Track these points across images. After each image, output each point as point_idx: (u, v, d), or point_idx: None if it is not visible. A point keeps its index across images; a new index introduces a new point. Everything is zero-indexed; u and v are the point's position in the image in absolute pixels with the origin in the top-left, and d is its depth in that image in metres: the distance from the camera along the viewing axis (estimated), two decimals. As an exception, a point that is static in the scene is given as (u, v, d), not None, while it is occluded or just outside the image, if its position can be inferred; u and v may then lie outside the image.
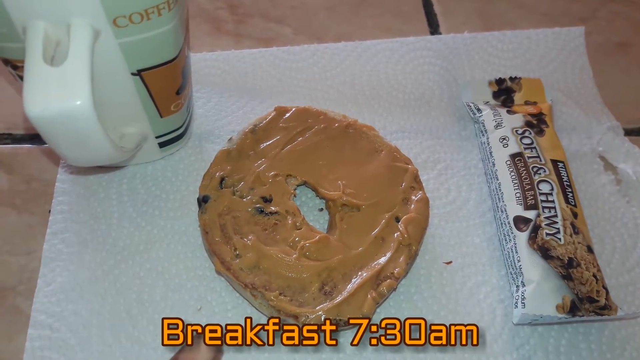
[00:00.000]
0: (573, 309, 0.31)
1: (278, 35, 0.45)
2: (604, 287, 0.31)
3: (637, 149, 0.39)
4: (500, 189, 0.35)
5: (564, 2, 0.49)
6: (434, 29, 0.46)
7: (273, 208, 0.33)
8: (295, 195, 0.34)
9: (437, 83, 0.42)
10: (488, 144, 0.37)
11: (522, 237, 0.33)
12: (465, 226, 0.36)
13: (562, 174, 0.35)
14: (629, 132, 0.41)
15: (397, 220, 0.33)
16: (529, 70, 0.43)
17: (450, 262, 0.34)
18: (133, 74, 0.30)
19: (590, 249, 0.32)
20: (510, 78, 0.40)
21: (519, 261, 0.32)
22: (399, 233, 0.32)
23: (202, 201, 0.32)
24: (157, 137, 0.35)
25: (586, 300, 0.31)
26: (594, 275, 0.31)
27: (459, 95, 0.41)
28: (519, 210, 0.34)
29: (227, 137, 0.38)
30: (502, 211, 0.34)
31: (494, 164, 0.36)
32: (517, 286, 0.32)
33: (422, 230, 0.33)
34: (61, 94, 0.25)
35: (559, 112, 0.41)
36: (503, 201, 0.35)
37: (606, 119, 0.41)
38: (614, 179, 0.38)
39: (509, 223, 0.34)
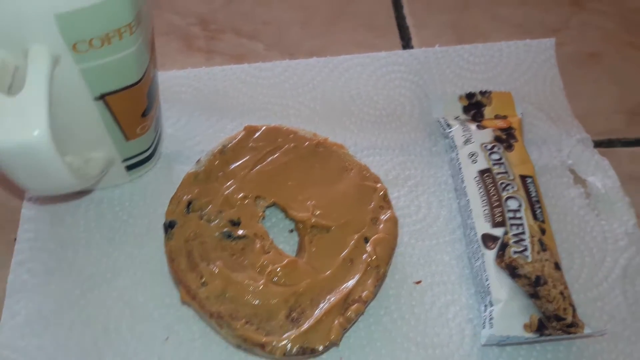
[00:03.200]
0: (540, 328, 0.31)
1: (250, 51, 0.45)
2: (571, 305, 0.32)
3: (606, 161, 0.40)
4: (469, 206, 0.35)
5: (538, 12, 0.49)
6: (406, 42, 0.46)
7: (241, 232, 0.32)
8: (264, 218, 0.34)
9: (408, 98, 0.42)
10: (457, 160, 0.37)
11: (490, 255, 0.33)
12: (435, 244, 0.36)
13: (530, 190, 0.35)
14: (598, 144, 0.42)
15: (366, 240, 0.33)
16: (500, 83, 0.43)
17: (420, 281, 0.34)
18: (96, 98, 0.30)
19: (557, 266, 0.33)
20: (481, 92, 0.40)
21: (487, 280, 0.32)
22: (367, 254, 0.32)
23: (169, 227, 0.32)
24: (123, 161, 0.35)
25: (553, 319, 0.31)
26: (561, 293, 0.32)
27: (431, 110, 0.41)
28: (487, 228, 0.34)
29: (197, 158, 0.37)
30: (470, 229, 0.35)
31: (462, 181, 0.36)
32: (485, 305, 0.32)
33: (391, 250, 0.33)
34: (17, 124, 0.25)
35: (530, 125, 0.41)
36: (472, 218, 0.35)
37: (576, 132, 0.41)
38: (584, 192, 0.38)
39: (477, 241, 0.34)
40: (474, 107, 0.40)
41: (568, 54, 0.47)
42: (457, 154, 0.37)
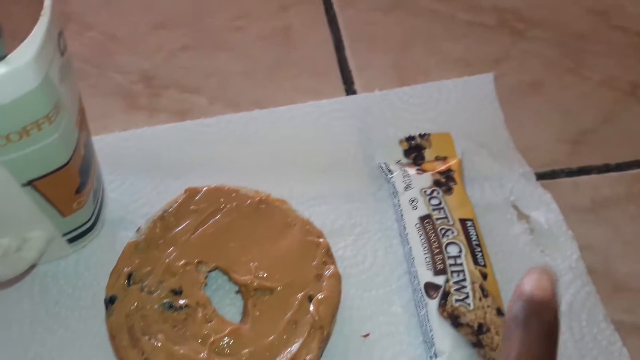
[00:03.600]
0: None
1: (193, 105, 0.45)
2: None
3: (548, 195, 0.40)
4: (411, 254, 0.35)
5: (478, 44, 0.50)
6: (348, 85, 0.47)
7: (182, 301, 0.32)
8: (206, 284, 0.34)
9: (352, 144, 0.42)
10: (399, 206, 0.38)
11: (433, 304, 0.33)
12: (382, 293, 0.36)
13: (470, 233, 0.35)
14: (542, 176, 0.42)
15: (310, 299, 0.33)
16: (441, 122, 0.43)
17: (368, 334, 0.34)
18: (23, 184, 0.29)
19: (500, 312, 0.33)
20: (420, 135, 0.41)
21: (431, 330, 0.32)
22: (310, 315, 0.32)
23: (109, 302, 0.32)
24: (64, 235, 0.35)
25: None
26: None
27: (374, 155, 0.41)
28: (429, 276, 0.34)
29: (141, 222, 0.37)
30: (414, 277, 0.35)
31: (405, 227, 0.36)
32: (431, 357, 0.32)
33: (334, 308, 0.33)
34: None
35: (472, 162, 0.42)
36: (415, 266, 0.35)
37: (518, 166, 0.42)
38: (528, 228, 0.39)
39: (421, 290, 0.34)
40: (414, 150, 0.41)
41: (509, 85, 0.47)
42: (398, 200, 0.38)
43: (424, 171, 0.39)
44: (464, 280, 0.33)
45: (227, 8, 0.51)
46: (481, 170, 0.41)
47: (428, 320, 0.33)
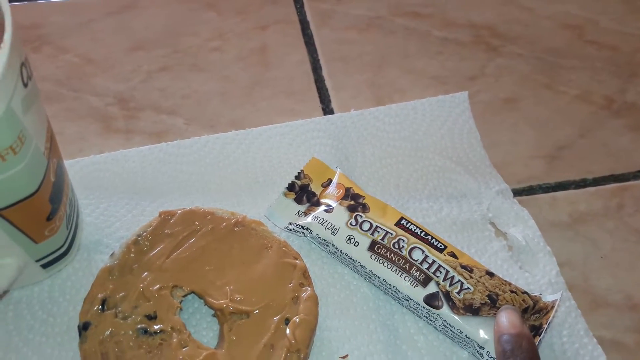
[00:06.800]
0: None
1: (170, 127, 0.45)
2: (524, 292, 0.33)
3: (525, 212, 0.40)
4: (389, 284, 0.35)
5: (452, 62, 0.50)
6: (325, 105, 0.47)
7: (157, 326, 0.32)
8: (181, 309, 0.33)
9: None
10: (341, 251, 0.36)
11: (445, 311, 0.33)
12: (360, 313, 0.36)
13: (414, 230, 0.36)
14: (519, 192, 0.42)
15: (287, 321, 0.33)
16: (417, 140, 0.43)
17: (346, 355, 0.34)
18: (-8, 213, 0.29)
19: (490, 274, 0.34)
20: (295, 176, 0.40)
21: (461, 332, 0.33)
22: (286, 338, 0.32)
23: (82, 329, 0.32)
24: (37, 260, 0.34)
25: (523, 313, 0.33)
26: (512, 291, 0.33)
27: (273, 224, 0.39)
28: (422, 291, 0.34)
29: (117, 245, 0.37)
30: (407, 300, 0.34)
31: (363, 266, 0.36)
32: (478, 352, 0.33)
33: (311, 331, 0.32)
34: None
35: (449, 179, 0.42)
36: (401, 292, 0.34)
37: (495, 183, 0.42)
38: (506, 245, 0.39)
39: (423, 307, 0.34)
40: (301, 192, 0.39)
41: (485, 101, 0.48)
42: (335, 247, 0.36)
43: (330, 206, 0.38)
44: (448, 272, 0.34)
45: (204, 28, 0.51)
46: (458, 187, 0.41)
47: (451, 326, 0.33)
